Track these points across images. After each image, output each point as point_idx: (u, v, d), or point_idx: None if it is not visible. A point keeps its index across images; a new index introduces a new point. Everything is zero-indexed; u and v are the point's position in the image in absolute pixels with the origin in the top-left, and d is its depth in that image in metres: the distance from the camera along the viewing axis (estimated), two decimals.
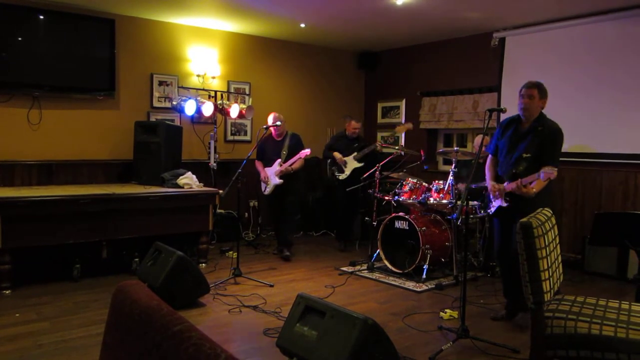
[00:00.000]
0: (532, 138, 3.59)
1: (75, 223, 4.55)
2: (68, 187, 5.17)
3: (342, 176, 6.08)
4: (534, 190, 3.42)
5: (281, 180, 5.52)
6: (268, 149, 5.68)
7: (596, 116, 5.39)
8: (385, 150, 6.16)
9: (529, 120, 3.65)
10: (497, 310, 3.97)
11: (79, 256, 4.77)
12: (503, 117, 4.38)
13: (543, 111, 3.66)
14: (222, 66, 6.64)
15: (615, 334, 2.26)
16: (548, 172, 3.26)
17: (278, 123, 5.51)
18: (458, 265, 4.94)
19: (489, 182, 3.83)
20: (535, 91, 3.58)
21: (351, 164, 6.08)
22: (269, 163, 5.64)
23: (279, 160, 5.57)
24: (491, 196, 3.83)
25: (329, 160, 6.27)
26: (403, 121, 7.40)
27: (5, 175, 5.26)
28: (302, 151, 5.48)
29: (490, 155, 3.95)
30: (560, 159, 5.45)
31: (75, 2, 5.40)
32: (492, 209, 3.82)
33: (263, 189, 5.69)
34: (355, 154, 6.08)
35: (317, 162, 7.27)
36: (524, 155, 3.58)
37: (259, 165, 5.74)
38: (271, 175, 5.58)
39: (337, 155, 6.08)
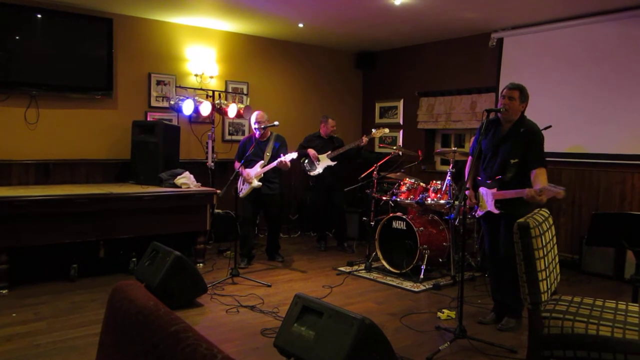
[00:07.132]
0: (514, 141, 3.55)
1: (72, 223, 4.54)
2: (65, 187, 5.15)
3: (313, 172, 6.09)
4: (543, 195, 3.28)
5: (260, 184, 5.26)
6: (249, 150, 5.23)
7: (593, 117, 5.39)
8: (383, 150, 6.15)
9: (508, 122, 3.61)
10: (486, 314, 3.96)
11: (76, 256, 4.77)
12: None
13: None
14: (220, 66, 6.63)
15: (612, 334, 2.27)
16: (554, 190, 3.15)
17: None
18: (456, 265, 4.95)
19: (467, 186, 3.73)
20: (516, 93, 3.54)
21: (324, 161, 6.09)
22: (248, 164, 5.32)
23: (261, 162, 5.31)
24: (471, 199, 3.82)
25: (301, 159, 6.20)
26: (401, 122, 7.46)
27: (2, 175, 5.25)
28: (289, 154, 5.17)
29: (470, 157, 3.93)
30: (559, 159, 5.57)
31: (73, 1, 5.38)
32: (480, 212, 3.79)
33: (239, 190, 5.36)
34: (329, 152, 6.11)
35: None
36: (512, 161, 3.54)
37: (238, 166, 5.25)
38: (251, 176, 5.29)
39: (310, 151, 6.10)
